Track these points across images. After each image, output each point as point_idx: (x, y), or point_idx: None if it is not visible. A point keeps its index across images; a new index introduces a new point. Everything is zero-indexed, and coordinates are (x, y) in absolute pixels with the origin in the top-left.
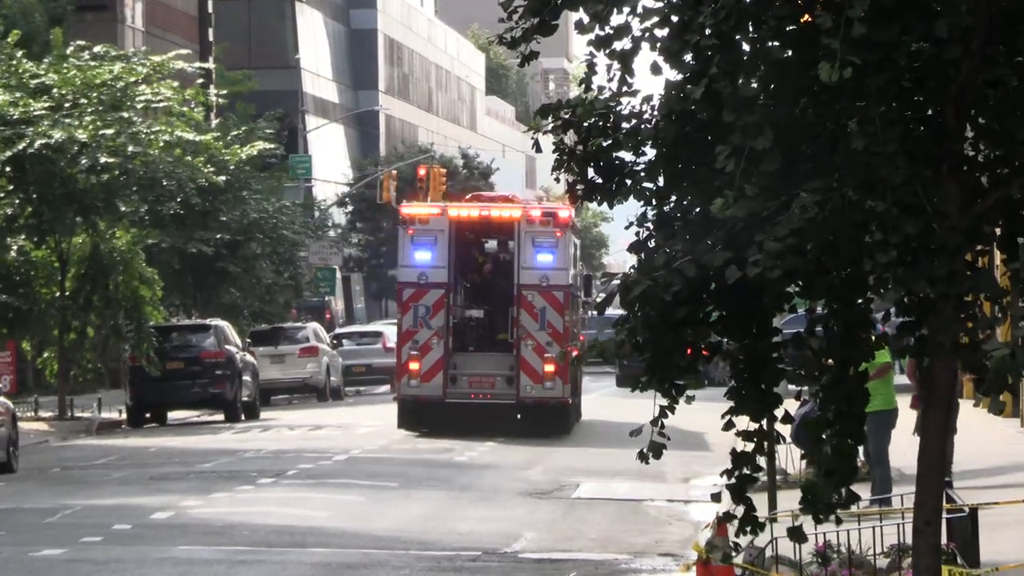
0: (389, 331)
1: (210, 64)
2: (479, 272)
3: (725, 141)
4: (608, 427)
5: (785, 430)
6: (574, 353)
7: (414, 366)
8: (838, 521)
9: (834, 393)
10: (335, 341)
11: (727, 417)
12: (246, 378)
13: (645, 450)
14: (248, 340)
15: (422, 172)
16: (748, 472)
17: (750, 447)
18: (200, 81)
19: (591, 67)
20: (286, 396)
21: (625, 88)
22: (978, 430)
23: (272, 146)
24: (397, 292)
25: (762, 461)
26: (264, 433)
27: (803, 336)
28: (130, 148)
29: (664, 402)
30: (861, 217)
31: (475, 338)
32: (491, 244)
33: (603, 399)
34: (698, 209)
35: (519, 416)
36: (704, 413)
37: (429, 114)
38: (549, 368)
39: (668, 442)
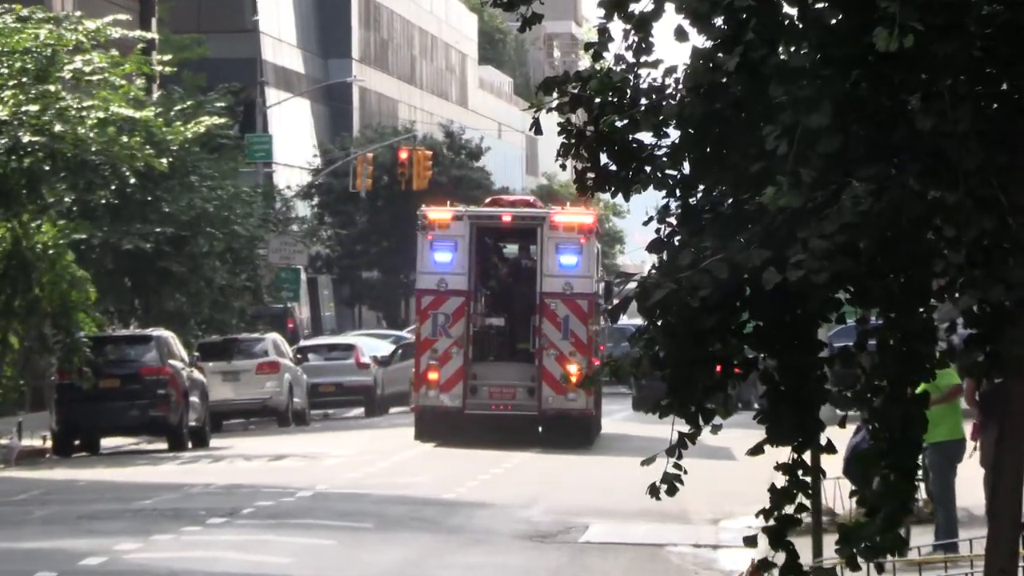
0: (363, 343)
1: (153, 32)
2: (500, 279)
3: (766, 119)
4: (631, 442)
5: (831, 463)
6: (596, 363)
7: (433, 376)
8: (890, 569)
9: (887, 418)
10: (299, 355)
11: (762, 443)
12: (193, 399)
13: (658, 483)
14: (196, 354)
15: (403, 156)
16: (790, 512)
17: (791, 482)
18: (141, 47)
19: (604, 33)
20: (241, 420)
21: (644, 58)
22: None
23: (223, 120)
24: (416, 299)
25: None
26: (215, 464)
27: (853, 351)
28: (57, 126)
29: (685, 428)
30: (925, 210)
31: (496, 347)
32: (512, 250)
33: (617, 424)
34: (731, 200)
35: (540, 429)
36: (741, 441)
37: (412, 87)
38: (573, 378)
39: (690, 475)
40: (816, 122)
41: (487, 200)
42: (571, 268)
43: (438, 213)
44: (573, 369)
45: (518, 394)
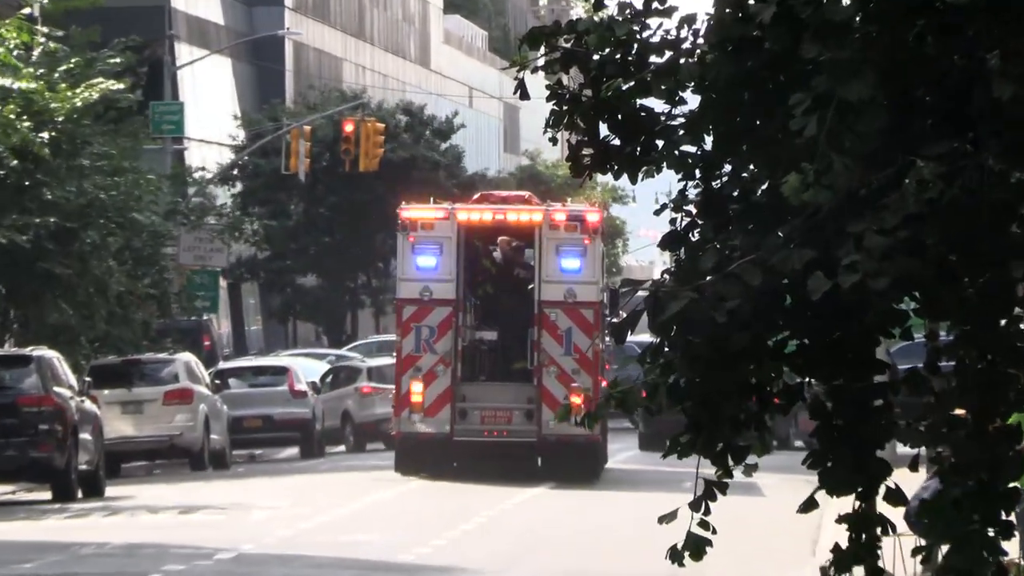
0: (298, 366)
1: None
2: (492, 286)
3: (804, 86)
4: (642, 480)
5: (894, 515)
6: (604, 384)
7: (416, 398)
8: None
9: (968, 458)
10: (218, 381)
11: (814, 493)
12: (85, 436)
13: (680, 547)
14: (88, 379)
15: (349, 128)
16: None
17: (859, 536)
18: (27, 11)
19: None
20: (144, 463)
21: (656, 5)
22: None
23: (122, 86)
24: (396, 310)
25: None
26: (111, 518)
27: (921, 374)
28: None
29: (711, 473)
30: (1008, 196)
31: (488, 365)
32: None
33: (621, 463)
34: (766, 185)
35: (539, 461)
36: (777, 487)
37: (359, 42)
38: (576, 400)
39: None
40: (855, 93)
41: (475, 196)
42: (574, 272)
43: (421, 212)
44: (577, 388)
45: (514, 418)
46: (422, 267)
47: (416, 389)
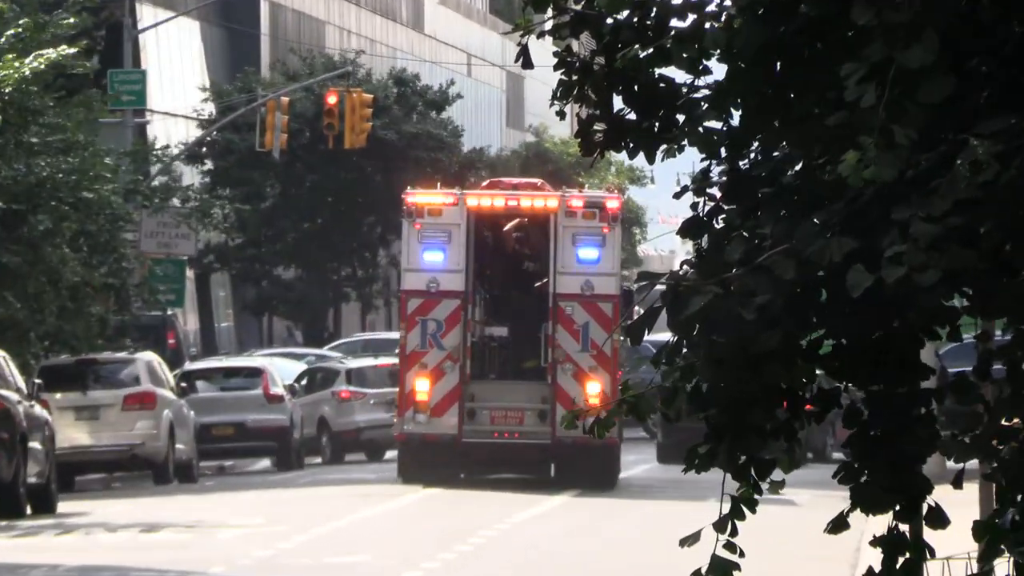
0: (274, 367)
1: None
2: (503, 278)
3: (848, 53)
4: (661, 490)
5: (941, 537)
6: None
7: (422, 397)
8: None
9: (1020, 474)
10: (184, 384)
11: (845, 511)
12: (34, 445)
13: (704, 571)
14: (38, 381)
15: (332, 100)
16: None
17: (892, 561)
18: None
19: None
20: (102, 475)
21: None
22: None
23: (74, 50)
24: (400, 303)
25: None
26: (64, 537)
27: (970, 379)
28: None
29: (735, 488)
30: None
31: (499, 361)
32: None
33: (640, 480)
34: (799, 166)
35: (553, 468)
36: (811, 507)
37: (344, 2)
38: (593, 400)
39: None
40: (916, 60)
41: (484, 183)
42: (591, 263)
43: (428, 197)
44: (595, 389)
45: (526, 419)
46: (429, 257)
47: (421, 387)
